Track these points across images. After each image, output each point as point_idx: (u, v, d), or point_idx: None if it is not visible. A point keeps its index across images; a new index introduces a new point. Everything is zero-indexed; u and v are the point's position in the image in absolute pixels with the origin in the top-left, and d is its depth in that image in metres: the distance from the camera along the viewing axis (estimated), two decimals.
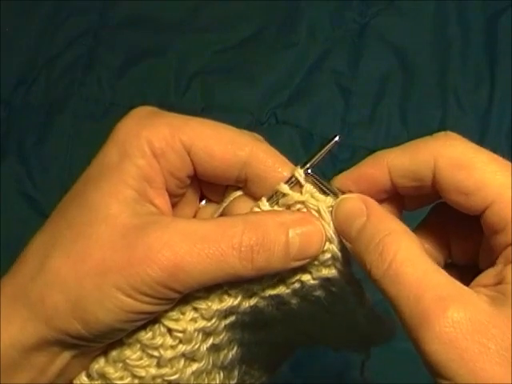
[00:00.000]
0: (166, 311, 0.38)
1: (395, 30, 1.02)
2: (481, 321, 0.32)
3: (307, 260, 0.38)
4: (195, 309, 0.38)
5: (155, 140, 0.37)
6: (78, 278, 0.35)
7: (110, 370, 0.39)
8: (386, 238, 0.35)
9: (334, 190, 0.39)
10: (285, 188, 0.38)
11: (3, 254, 0.89)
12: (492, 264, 0.36)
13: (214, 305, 0.39)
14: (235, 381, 0.46)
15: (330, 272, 0.39)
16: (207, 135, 0.38)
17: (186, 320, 0.38)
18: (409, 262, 0.34)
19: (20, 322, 0.36)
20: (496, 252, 0.36)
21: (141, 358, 0.39)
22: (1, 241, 0.90)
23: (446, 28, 1.01)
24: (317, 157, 0.40)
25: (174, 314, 0.38)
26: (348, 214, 0.37)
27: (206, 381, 0.42)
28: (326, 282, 0.40)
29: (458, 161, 0.36)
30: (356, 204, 0.38)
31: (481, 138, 0.93)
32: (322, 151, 0.40)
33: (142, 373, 0.39)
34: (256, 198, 0.40)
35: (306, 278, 0.40)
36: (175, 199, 0.41)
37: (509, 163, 0.36)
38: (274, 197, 0.39)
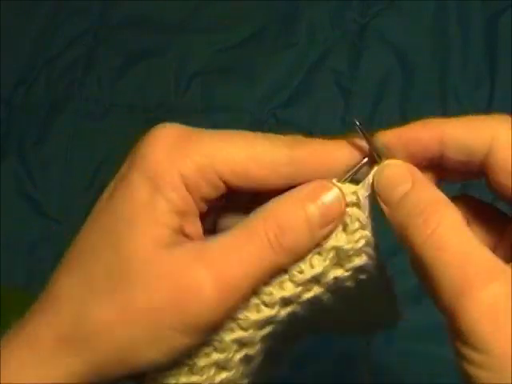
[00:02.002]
0: None
1: (395, 29, 1.02)
2: None
3: (333, 225, 0.37)
4: (232, 318, 0.38)
5: (189, 173, 0.36)
6: (126, 326, 0.35)
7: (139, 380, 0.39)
8: (431, 206, 0.35)
9: (379, 151, 0.38)
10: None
11: (3, 254, 0.89)
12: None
13: (252, 315, 0.38)
14: (247, 380, 0.45)
15: (361, 260, 0.38)
16: (243, 158, 0.37)
17: (224, 329, 0.38)
18: (454, 230, 0.34)
19: (66, 369, 0.35)
20: None
21: (172, 368, 0.38)
22: (1, 241, 0.90)
23: (446, 28, 1.01)
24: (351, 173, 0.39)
25: None
26: (392, 180, 0.37)
27: None
28: (356, 271, 0.39)
29: None
30: (401, 170, 0.37)
31: None
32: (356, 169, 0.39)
33: (172, 381, 0.38)
34: None
35: (340, 272, 0.39)
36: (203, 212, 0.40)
37: None
38: None
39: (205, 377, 0.39)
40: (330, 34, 1.02)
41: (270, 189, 0.38)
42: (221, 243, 0.36)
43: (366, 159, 0.38)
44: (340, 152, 0.39)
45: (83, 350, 0.35)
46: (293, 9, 1.04)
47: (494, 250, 0.37)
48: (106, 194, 0.37)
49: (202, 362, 0.38)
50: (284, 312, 0.39)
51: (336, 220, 0.37)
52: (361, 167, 0.38)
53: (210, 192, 0.37)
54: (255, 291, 0.38)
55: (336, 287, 0.40)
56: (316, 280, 0.39)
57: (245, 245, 0.36)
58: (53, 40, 1.06)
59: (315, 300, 0.40)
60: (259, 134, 0.38)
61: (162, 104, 0.99)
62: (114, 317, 0.35)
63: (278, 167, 0.37)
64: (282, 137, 0.39)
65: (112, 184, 0.37)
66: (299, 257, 0.37)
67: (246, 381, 0.43)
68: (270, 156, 0.37)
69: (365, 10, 1.03)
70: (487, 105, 0.96)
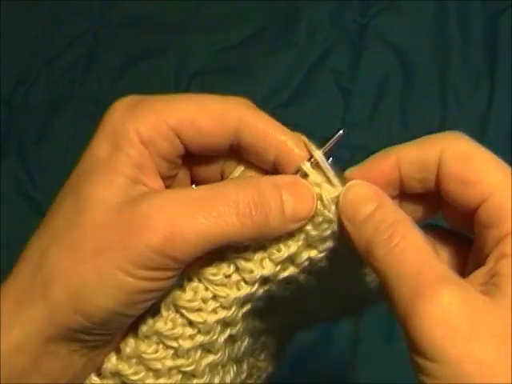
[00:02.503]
0: (188, 301, 0.38)
1: (395, 29, 1.02)
2: (476, 305, 0.32)
3: (302, 222, 0.38)
4: (215, 297, 0.38)
5: (142, 128, 0.37)
6: (76, 267, 0.35)
7: (125, 367, 0.39)
8: (396, 224, 0.36)
9: (341, 179, 0.39)
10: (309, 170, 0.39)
11: (3, 254, 0.89)
12: (480, 265, 0.36)
13: (233, 293, 0.38)
14: (245, 375, 0.45)
15: (331, 243, 0.40)
16: (192, 112, 0.38)
17: (208, 311, 0.38)
18: (414, 245, 0.35)
19: (24, 325, 0.35)
20: (486, 250, 0.36)
21: (157, 351, 0.38)
22: (1, 241, 0.90)
23: (446, 28, 1.01)
24: (326, 146, 0.40)
25: (196, 304, 0.38)
26: (358, 199, 0.38)
27: (221, 373, 0.42)
28: (329, 252, 0.40)
29: (463, 154, 0.38)
30: (366, 190, 0.38)
31: (481, 137, 0.92)
32: (330, 142, 0.40)
33: (159, 365, 0.39)
34: (255, 168, 0.40)
35: (313, 253, 0.40)
36: (168, 181, 0.40)
37: (508, 167, 0.38)
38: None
39: (191, 360, 0.39)
40: (330, 34, 1.02)
41: (219, 146, 0.39)
42: (183, 192, 0.37)
43: (341, 131, 0.40)
44: (288, 136, 0.40)
45: (39, 300, 0.35)
46: (293, 9, 1.05)
47: (463, 275, 0.38)
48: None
49: (186, 344, 0.38)
50: (262, 289, 0.40)
51: (305, 219, 0.38)
52: (337, 141, 0.40)
53: (166, 147, 0.38)
54: (235, 269, 0.38)
55: (311, 268, 0.41)
56: (291, 260, 0.40)
57: (212, 203, 0.35)
58: (53, 40, 1.06)
59: (291, 280, 0.41)
60: (212, 95, 0.40)
61: None
62: (67, 259, 0.35)
63: (225, 121, 0.38)
64: (236, 98, 0.40)
65: None
66: (260, 238, 0.37)
67: (234, 367, 0.43)
68: (217, 108, 0.38)
69: (365, 10, 1.03)
70: (487, 105, 0.96)
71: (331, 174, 0.39)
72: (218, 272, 0.38)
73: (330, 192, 0.38)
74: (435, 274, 0.33)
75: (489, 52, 0.99)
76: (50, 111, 1.01)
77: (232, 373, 0.43)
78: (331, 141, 0.40)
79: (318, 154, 0.39)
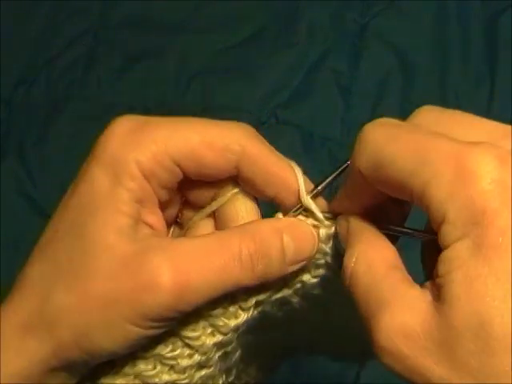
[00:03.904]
0: (185, 326, 0.39)
1: (395, 30, 1.02)
2: (424, 322, 0.31)
3: (302, 263, 0.39)
4: (213, 325, 0.39)
5: (143, 160, 0.37)
6: (83, 313, 0.35)
7: (122, 381, 0.39)
8: (353, 247, 0.36)
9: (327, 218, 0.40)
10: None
11: (3, 254, 0.89)
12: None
13: (231, 322, 0.39)
14: (233, 377, 0.46)
15: (325, 271, 0.40)
16: (195, 142, 0.37)
17: (206, 334, 0.39)
18: (364, 269, 0.35)
19: (29, 354, 0.36)
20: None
21: (155, 368, 0.40)
22: (1, 241, 0.90)
23: (446, 28, 1.01)
24: (327, 182, 0.40)
25: (195, 331, 0.39)
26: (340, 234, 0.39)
27: (211, 382, 0.43)
28: (324, 281, 0.41)
29: (370, 160, 0.35)
30: (341, 225, 0.39)
31: None
32: (331, 177, 0.40)
33: (155, 380, 0.40)
34: (246, 200, 0.40)
35: (307, 277, 0.41)
36: (164, 205, 0.40)
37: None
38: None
39: (186, 375, 0.40)
40: (330, 34, 1.02)
41: (218, 176, 0.39)
42: (189, 244, 0.37)
43: (347, 164, 0.39)
44: (288, 174, 0.39)
45: (45, 335, 0.36)
46: (293, 9, 1.05)
47: None
48: (70, 188, 0.38)
49: (184, 362, 0.40)
50: (256, 312, 0.41)
51: (306, 260, 0.39)
52: (337, 176, 0.40)
53: (167, 178, 0.38)
54: (231, 301, 0.39)
55: (305, 292, 0.42)
56: (284, 282, 0.40)
57: (215, 253, 0.36)
58: (53, 40, 1.06)
59: (285, 301, 0.42)
60: (214, 121, 0.39)
61: (162, 104, 0.99)
62: (74, 303, 0.36)
63: (228, 154, 0.38)
64: (239, 127, 0.39)
65: (76, 179, 0.39)
66: (263, 283, 0.38)
67: (223, 376, 0.44)
68: (221, 140, 0.38)
69: (365, 10, 1.03)
70: (487, 105, 0.96)
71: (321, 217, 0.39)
72: (216, 305, 0.39)
73: (327, 228, 0.39)
74: (386, 292, 0.33)
75: (489, 52, 0.99)
76: (50, 111, 1.01)
77: (220, 381, 0.44)
78: (329, 179, 0.40)
79: (311, 203, 0.39)
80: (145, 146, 0.37)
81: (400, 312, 0.32)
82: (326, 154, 0.93)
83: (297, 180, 0.39)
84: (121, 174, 0.36)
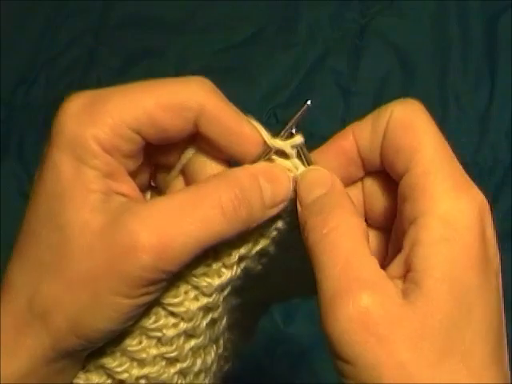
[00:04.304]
0: (172, 297, 0.38)
1: (395, 30, 1.02)
2: (392, 310, 0.32)
3: (280, 206, 0.38)
4: (196, 287, 0.38)
5: (101, 135, 0.36)
6: (72, 297, 0.35)
7: (109, 360, 0.39)
8: (336, 210, 0.35)
9: (307, 157, 0.40)
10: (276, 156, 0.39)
11: (3, 254, 0.89)
12: (399, 249, 0.35)
13: (215, 281, 0.39)
14: (221, 349, 0.46)
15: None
16: (150, 106, 0.36)
17: (189, 299, 0.38)
18: (346, 237, 0.34)
19: (28, 353, 0.36)
20: (403, 230, 0.35)
21: (141, 342, 0.39)
22: (1, 241, 0.90)
23: (446, 28, 1.01)
24: (290, 124, 0.40)
25: (176, 297, 0.38)
26: (311, 182, 0.38)
27: (203, 355, 0.42)
28: (293, 224, 0.40)
29: (403, 121, 0.37)
30: (321, 175, 0.38)
31: (481, 137, 0.92)
32: (296, 117, 0.40)
33: (143, 355, 0.39)
34: (209, 154, 0.40)
35: (281, 223, 0.40)
36: (134, 174, 0.40)
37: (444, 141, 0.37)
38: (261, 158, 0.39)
39: (174, 346, 0.39)
40: (330, 34, 1.02)
41: (178, 137, 0.38)
42: (164, 201, 0.36)
43: (309, 102, 0.40)
44: (248, 127, 0.39)
45: (39, 329, 0.35)
46: (293, 9, 1.05)
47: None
48: (36, 177, 0.38)
49: (170, 332, 0.39)
50: (239, 269, 0.40)
51: (284, 202, 0.38)
52: (301, 115, 0.40)
53: (129, 148, 0.37)
54: (214, 257, 0.38)
55: (280, 239, 0.41)
56: (260, 233, 0.40)
57: (193, 206, 0.35)
58: (53, 40, 1.06)
59: (264, 252, 0.41)
60: (169, 79, 0.38)
61: None
62: (60, 290, 0.35)
63: (185, 113, 0.37)
64: (195, 81, 0.39)
65: (39, 166, 0.38)
66: (245, 230, 0.37)
67: (214, 347, 0.44)
68: (177, 100, 0.37)
69: (365, 10, 1.03)
70: (487, 105, 0.96)
71: (295, 160, 0.39)
72: (198, 264, 0.38)
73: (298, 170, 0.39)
74: (357, 275, 0.33)
75: (489, 52, 0.99)
76: (49, 111, 1.00)
77: (213, 353, 0.44)
78: (296, 117, 0.40)
79: (287, 144, 0.39)
80: (100, 121, 0.36)
81: (378, 294, 0.32)
82: None
83: (258, 131, 0.39)
84: (82, 153, 0.36)
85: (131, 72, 1.03)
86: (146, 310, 0.38)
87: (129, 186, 0.38)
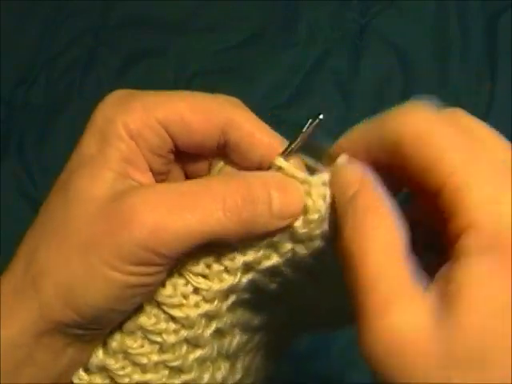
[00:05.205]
0: (167, 296, 0.37)
1: (395, 29, 1.02)
2: (423, 333, 0.30)
3: (288, 220, 0.37)
4: (196, 290, 0.38)
5: (130, 122, 0.37)
6: (64, 263, 0.35)
7: (111, 362, 0.38)
8: (366, 215, 0.34)
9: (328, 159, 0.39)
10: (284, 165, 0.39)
11: (3, 254, 0.89)
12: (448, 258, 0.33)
13: (215, 285, 0.38)
14: (240, 375, 0.45)
15: (318, 243, 0.39)
16: (181, 107, 0.38)
17: (189, 305, 0.38)
18: (379, 245, 0.32)
19: (18, 321, 0.35)
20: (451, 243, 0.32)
21: (142, 346, 0.38)
22: (1, 241, 0.90)
23: (446, 28, 1.01)
24: (298, 140, 0.41)
25: (176, 300, 0.38)
26: (341, 184, 0.37)
27: (211, 369, 0.42)
28: (317, 253, 0.39)
29: (420, 133, 0.35)
30: (351, 172, 0.37)
31: None
32: (304, 132, 0.40)
33: (144, 360, 0.38)
34: (238, 166, 0.40)
35: (300, 248, 0.39)
36: (161, 177, 0.40)
37: (475, 142, 0.34)
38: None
39: (177, 354, 0.39)
40: (330, 34, 1.02)
41: (208, 149, 0.39)
42: (170, 185, 0.36)
43: (321, 116, 0.41)
44: (273, 139, 0.40)
45: (31, 297, 0.35)
46: (293, 9, 1.04)
47: None
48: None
49: (171, 338, 0.38)
50: (245, 279, 0.39)
51: (294, 216, 0.37)
52: (312, 130, 0.41)
53: (156, 142, 0.38)
54: (217, 258, 0.38)
55: (297, 262, 0.40)
56: (274, 247, 0.39)
57: (198, 198, 0.35)
58: (53, 40, 1.06)
59: (276, 272, 0.40)
60: (201, 92, 0.40)
61: None
62: (56, 257, 0.35)
63: (213, 119, 0.38)
64: (224, 96, 0.40)
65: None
66: (247, 235, 0.37)
67: (226, 364, 0.43)
68: (206, 106, 0.39)
69: (365, 10, 1.03)
70: (487, 105, 0.96)
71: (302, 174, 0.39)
72: (198, 262, 0.37)
73: (319, 188, 0.38)
74: (386, 291, 0.31)
75: (489, 52, 0.99)
76: (49, 111, 1.01)
77: (224, 370, 0.43)
78: (306, 132, 0.41)
79: (286, 164, 0.39)
80: (132, 110, 0.38)
81: (407, 313, 0.30)
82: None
83: (282, 144, 0.40)
84: (109, 135, 0.37)
85: (131, 72, 1.03)
86: (146, 309, 0.38)
87: (146, 178, 0.38)
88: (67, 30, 1.06)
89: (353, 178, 0.37)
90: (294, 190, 0.38)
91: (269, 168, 0.39)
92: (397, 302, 0.31)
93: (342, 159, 0.39)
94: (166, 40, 1.04)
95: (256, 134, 0.39)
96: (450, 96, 0.97)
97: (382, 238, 0.33)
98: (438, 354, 0.29)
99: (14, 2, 1.08)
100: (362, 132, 0.40)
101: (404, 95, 0.97)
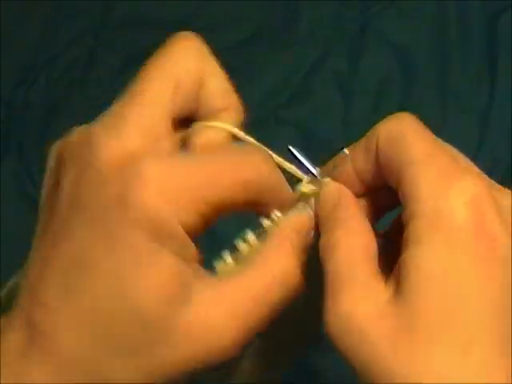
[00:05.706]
0: None
1: (395, 29, 1.02)
2: (375, 309, 0.34)
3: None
4: None
5: (185, 217, 0.34)
6: None
7: None
8: (338, 228, 0.37)
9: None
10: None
11: (3, 254, 0.89)
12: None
13: None
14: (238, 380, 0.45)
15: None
16: (227, 185, 0.36)
17: None
18: (347, 249, 0.36)
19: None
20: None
21: None
22: (1, 241, 0.90)
23: (446, 28, 1.01)
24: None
25: None
26: (327, 197, 0.40)
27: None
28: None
29: (390, 136, 0.37)
30: (332, 188, 0.41)
31: (481, 138, 0.92)
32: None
33: None
34: None
35: None
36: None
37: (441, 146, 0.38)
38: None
39: None
40: (330, 34, 1.02)
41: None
42: (235, 284, 0.35)
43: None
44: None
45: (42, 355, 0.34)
46: (293, 9, 1.04)
47: None
48: (97, 242, 0.34)
49: None
50: None
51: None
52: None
53: (204, 225, 0.36)
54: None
55: None
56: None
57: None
58: (53, 40, 1.06)
59: None
60: (235, 151, 0.39)
61: None
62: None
63: (251, 188, 0.37)
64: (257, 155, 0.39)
65: (106, 231, 0.34)
66: None
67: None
68: (246, 176, 0.37)
69: (365, 10, 1.03)
70: (487, 105, 0.96)
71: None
72: None
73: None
74: (354, 279, 0.35)
75: (489, 52, 0.99)
76: (49, 111, 1.01)
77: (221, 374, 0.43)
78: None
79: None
80: (183, 200, 0.33)
81: (362, 301, 0.34)
82: (326, 154, 0.93)
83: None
84: (163, 234, 0.33)
85: (131, 72, 1.03)
86: None
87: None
88: (67, 29, 1.06)
89: (333, 193, 0.40)
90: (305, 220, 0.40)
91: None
92: (357, 288, 0.35)
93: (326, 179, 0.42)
94: (166, 40, 1.04)
95: (282, 195, 0.40)
96: (450, 96, 0.97)
97: (350, 239, 0.37)
98: (393, 324, 0.33)
99: (14, 2, 1.08)
100: (351, 151, 0.42)
101: (404, 95, 0.97)
